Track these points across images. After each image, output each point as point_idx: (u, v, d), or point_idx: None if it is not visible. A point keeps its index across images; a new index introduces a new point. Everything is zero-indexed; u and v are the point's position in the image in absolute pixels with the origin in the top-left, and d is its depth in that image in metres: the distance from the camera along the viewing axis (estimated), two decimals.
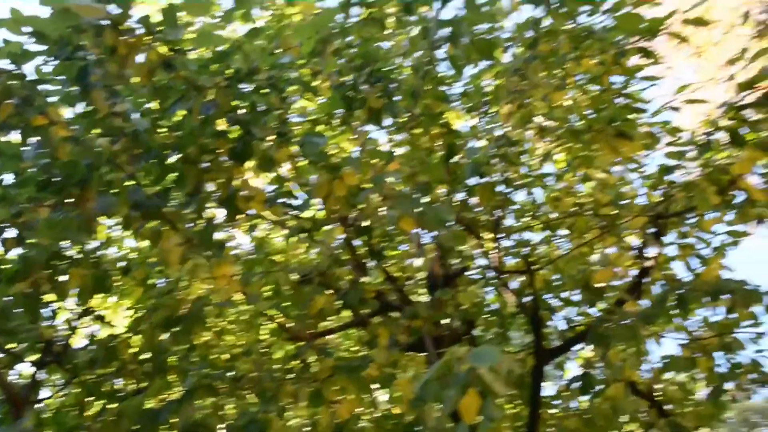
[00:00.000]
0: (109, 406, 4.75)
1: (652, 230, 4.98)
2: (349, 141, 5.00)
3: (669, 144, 4.75)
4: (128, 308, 5.67)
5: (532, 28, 3.95)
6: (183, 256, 3.75)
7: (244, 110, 3.64)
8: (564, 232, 5.37)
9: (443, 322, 4.87)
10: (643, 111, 4.79)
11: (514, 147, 4.36)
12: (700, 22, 4.35)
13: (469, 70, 4.74)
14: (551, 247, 5.57)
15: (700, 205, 4.33)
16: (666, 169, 4.56)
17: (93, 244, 4.82)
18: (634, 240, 5.24)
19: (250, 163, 3.75)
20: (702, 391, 5.94)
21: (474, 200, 4.61)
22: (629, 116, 4.59)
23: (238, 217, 3.78)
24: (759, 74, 4.05)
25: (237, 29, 4.92)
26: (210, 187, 3.74)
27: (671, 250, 5.42)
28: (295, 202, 3.90)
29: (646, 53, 4.34)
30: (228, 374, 4.73)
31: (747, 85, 4.10)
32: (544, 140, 4.83)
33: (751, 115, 4.27)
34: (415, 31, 4.14)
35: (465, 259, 4.98)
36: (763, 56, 4.28)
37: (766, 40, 4.35)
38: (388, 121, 4.32)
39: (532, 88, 4.34)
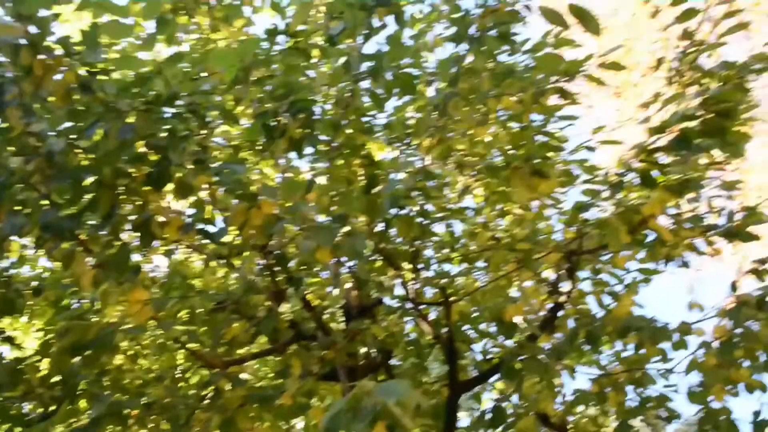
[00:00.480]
0: (15, 431, 4.63)
1: (567, 266, 5.09)
2: (271, 168, 5.01)
3: (585, 182, 4.89)
4: (39, 330, 5.54)
5: (454, 65, 4.02)
6: (96, 280, 3.71)
7: (163, 134, 3.62)
8: (482, 264, 5.45)
9: (361, 351, 4.89)
10: (561, 149, 4.92)
11: (434, 180, 4.42)
12: (616, 66, 4.49)
13: (393, 102, 4.82)
14: (469, 280, 5.64)
15: (612, 243, 4.45)
16: (581, 207, 4.68)
17: (3, 264, 4.72)
18: (549, 274, 5.34)
19: (168, 188, 3.73)
20: (613, 425, 6.07)
21: (393, 231, 4.65)
22: (548, 154, 4.71)
23: (154, 242, 3.75)
24: (669, 119, 4.20)
25: (161, 51, 4.90)
26: (126, 210, 3.70)
27: (585, 286, 5.55)
28: (212, 229, 3.88)
29: (564, 94, 4.46)
30: (140, 400, 4.66)
31: (658, 129, 4.25)
32: (464, 175, 4.92)
33: (662, 158, 4.42)
34: (339, 62, 4.18)
35: (383, 290, 5.01)
36: (674, 101, 4.45)
37: (678, 86, 4.51)
38: (310, 150, 4.34)
39: (453, 123, 4.42)
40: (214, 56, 3.69)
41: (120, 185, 3.54)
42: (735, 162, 4.98)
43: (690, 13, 4.46)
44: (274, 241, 4.19)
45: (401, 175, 4.42)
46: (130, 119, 3.52)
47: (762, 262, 4.91)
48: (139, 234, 3.66)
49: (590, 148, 4.87)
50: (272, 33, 4.24)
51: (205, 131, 3.73)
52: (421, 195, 4.35)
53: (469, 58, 4.13)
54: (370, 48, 3.81)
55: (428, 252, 5.38)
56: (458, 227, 5.45)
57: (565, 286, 5.21)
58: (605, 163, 5.18)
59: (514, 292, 5.46)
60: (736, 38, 4.73)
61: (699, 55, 4.39)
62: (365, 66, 3.87)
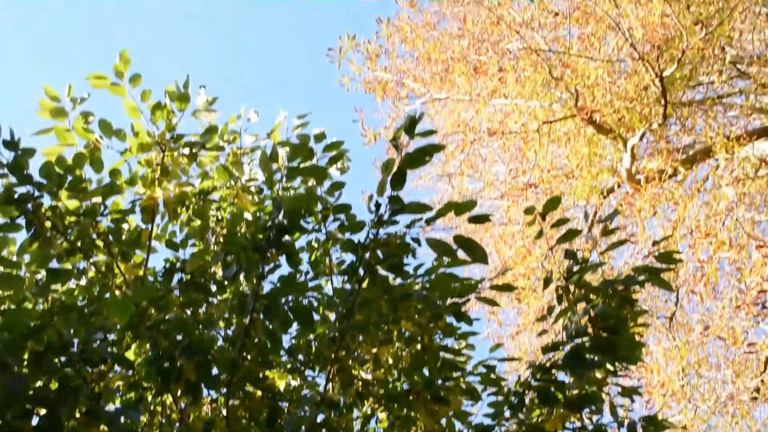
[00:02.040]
0: None
1: None
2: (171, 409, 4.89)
3: (491, 394, 4.91)
4: None
5: (349, 298, 4.10)
6: None
7: (53, 386, 3.53)
8: None
9: None
10: (463, 369, 4.97)
11: (335, 410, 4.38)
12: (506, 288, 4.66)
13: (293, 330, 4.83)
14: None
15: None
16: (483, 429, 4.68)
17: None
18: None
19: None
20: None
21: None
22: (451, 374, 4.75)
23: None
24: (561, 338, 4.33)
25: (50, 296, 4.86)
26: None
27: None
28: None
29: (458, 315, 4.58)
30: None
31: (552, 347, 4.36)
32: (367, 402, 4.89)
33: (560, 374, 4.52)
34: (234, 301, 4.21)
35: None
36: (565, 316, 4.61)
37: (567, 302, 4.70)
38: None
39: (351, 353, 4.46)
40: (109, 305, 3.69)
41: None
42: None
43: (571, 234, 4.72)
44: None
45: (304, 407, 4.37)
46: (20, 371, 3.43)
47: None
48: None
49: (490, 367, 4.94)
50: (169, 272, 4.27)
51: (99, 380, 3.65)
52: (325, 426, 4.29)
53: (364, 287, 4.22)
54: (265, 287, 3.86)
55: None
56: None
57: None
58: (509, 372, 5.24)
59: None
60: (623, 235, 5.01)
61: (584, 273, 4.59)
62: (261, 303, 3.90)
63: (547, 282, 4.71)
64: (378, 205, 3.96)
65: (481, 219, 4.14)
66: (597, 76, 11.02)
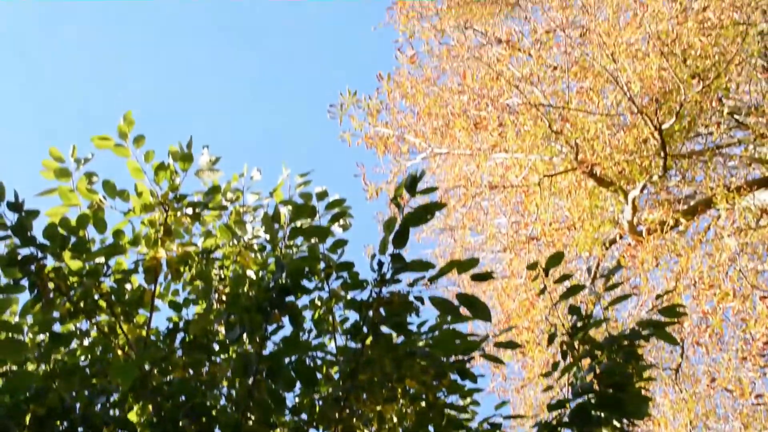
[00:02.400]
0: None
1: None
2: None
3: None
4: None
5: (353, 358, 4.08)
6: None
7: None
8: None
9: None
10: (468, 426, 4.92)
11: None
12: (511, 345, 4.64)
13: (296, 389, 4.79)
14: None
15: None
16: None
17: None
18: None
19: None
20: None
21: None
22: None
23: None
24: (567, 396, 4.29)
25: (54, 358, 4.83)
26: None
27: None
28: None
29: (462, 373, 4.55)
30: None
31: (557, 405, 4.33)
32: None
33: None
34: (238, 362, 4.19)
35: None
36: (570, 371, 4.58)
37: (572, 358, 4.68)
38: None
39: (358, 405, 4.41)
40: (113, 368, 3.67)
41: None
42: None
43: (575, 289, 4.71)
44: None
45: None
46: None
47: None
48: None
49: (496, 425, 4.89)
50: (172, 332, 4.26)
51: None
52: None
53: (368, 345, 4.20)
54: (268, 346, 3.84)
55: None
56: None
57: None
58: (515, 427, 5.17)
59: None
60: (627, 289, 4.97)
61: (588, 329, 4.57)
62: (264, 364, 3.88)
63: (551, 338, 4.69)
64: (381, 264, 3.97)
65: (484, 277, 4.14)
66: (596, 130, 11.09)
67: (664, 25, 10.94)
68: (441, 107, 13.21)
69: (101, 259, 4.97)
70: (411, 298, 4.07)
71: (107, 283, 5.04)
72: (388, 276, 3.97)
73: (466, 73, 12.97)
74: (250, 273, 5.32)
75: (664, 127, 10.88)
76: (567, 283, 4.81)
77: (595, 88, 11.60)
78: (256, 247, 5.54)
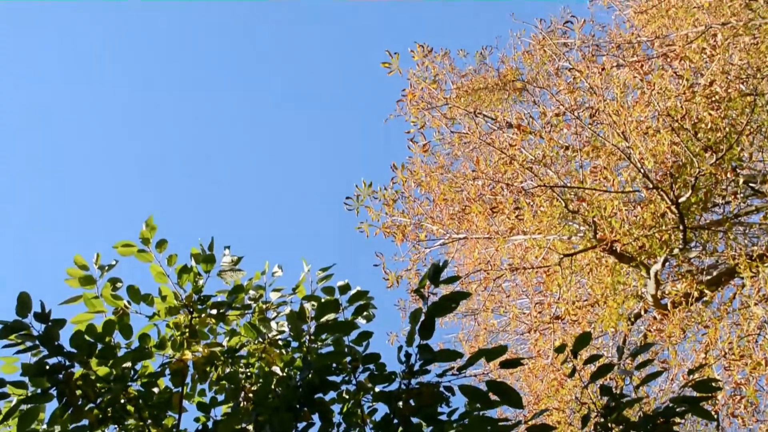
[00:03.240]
0: None
1: None
2: None
3: None
4: None
5: None
6: None
7: None
8: None
9: None
10: None
11: None
12: (543, 429, 4.54)
13: None
14: None
15: None
16: None
17: None
18: None
19: None
20: None
21: None
22: None
23: None
24: None
25: None
26: None
27: None
28: None
29: None
30: None
31: None
32: None
33: None
34: None
35: None
36: None
37: None
38: None
39: None
40: None
41: None
42: None
43: (604, 370, 4.64)
44: None
45: None
46: None
47: None
48: None
49: None
50: None
51: None
52: None
53: None
54: None
55: None
56: None
57: None
58: None
59: None
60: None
61: (622, 409, 4.48)
62: None
63: (585, 420, 4.60)
64: (408, 356, 3.94)
65: (513, 364, 4.08)
66: (613, 207, 11.07)
67: (672, 102, 11.02)
68: (456, 193, 13.28)
69: (128, 364, 4.96)
70: (441, 388, 4.01)
71: (134, 387, 5.02)
72: (416, 368, 3.93)
73: (479, 159, 13.06)
74: (276, 369, 5.28)
75: (680, 200, 10.86)
76: (596, 362, 4.75)
77: (608, 166, 11.64)
78: (280, 343, 5.52)
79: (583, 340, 4.58)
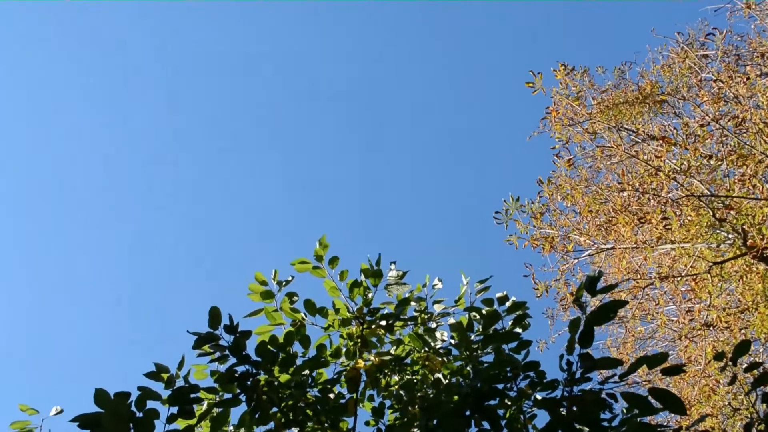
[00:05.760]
0: None
1: None
2: None
3: None
4: None
5: None
6: None
7: None
8: None
9: None
10: None
11: None
12: None
13: None
14: None
15: None
16: None
17: None
18: None
19: None
20: None
21: None
22: None
23: None
24: None
25: None
26: None
27: None
28: None
29: None
30: None
31: None
32: None
33: None
34: None
35: None
36: None
37: None
38: None
39: None
40: None
41: None
42: None
43: (765, 377, 4.40)
44: None
45: None
46: None
47: None
48: None
49: None
50: None
51: None
52: None
53: None
54: None
55: None
56: None
57: None
58: None
59: None
60: None
61: None
62: None
63: (748, 428, 4.39)
64: (570, 364, 3.89)
65: (675, 371, 3.94)
66: (762, 215, 10.54)
67: None
68: (601, 205, 13.00)
69: (305, 372, 5.12)
70: (603, 395, 3.93)
71: (312, 393, 5.17)
72: (577, 375, 3.87)
73: (624, 171, 12.73)
74: (439, 376, 5.33)
75: None
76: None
77: (756, 173, 11.08)
78: (441, 351, 5.56)
79: (743, 347, 4.38)
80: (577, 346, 4.03)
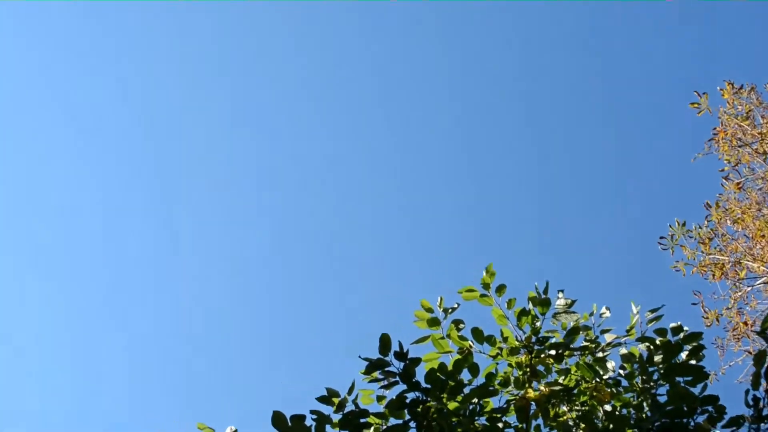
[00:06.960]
0: None
1: None
2: None
3: None
4: None
5: None
6: None
7: None
8: None
9: None
10: None
11: None
12: None
13: None
14: None
15: None
16: None
17: None
18: None
19: None
20: None
21: None
22: None
23: None
24: None
25: None
26: None
27: None
28: None
29: None
30: None
31: None
32: None
33: None
34: None
35: None
36: None
37: None
38: None
39: None
40: None
41: None
42: None
43: None
44: None
45: None
46: None
47: None
48: None
49: None
50: None
51: None
52: None
53: None
54: None
55: None
56: None
57: None
58: None
59: None
60: None
61: None
62: None
63: None
64: (757, 400, 3.65)
65: None
66: None
67: None
68: None
69: (474, 400, 5.07)
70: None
71: (479, 421, 5.11)
72: (764, 412, 3.63)
73: None
74: (607, 407, 5.14)
75: None
76: None
77: None
78: (610, 381, 5.36)
79: None
80: (763, 380, 3.78)
